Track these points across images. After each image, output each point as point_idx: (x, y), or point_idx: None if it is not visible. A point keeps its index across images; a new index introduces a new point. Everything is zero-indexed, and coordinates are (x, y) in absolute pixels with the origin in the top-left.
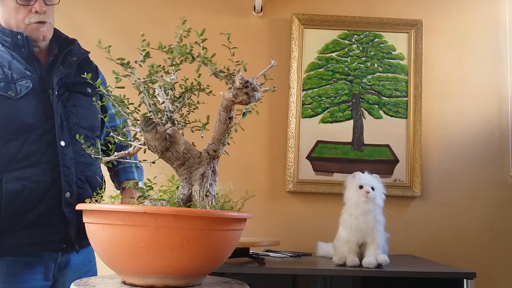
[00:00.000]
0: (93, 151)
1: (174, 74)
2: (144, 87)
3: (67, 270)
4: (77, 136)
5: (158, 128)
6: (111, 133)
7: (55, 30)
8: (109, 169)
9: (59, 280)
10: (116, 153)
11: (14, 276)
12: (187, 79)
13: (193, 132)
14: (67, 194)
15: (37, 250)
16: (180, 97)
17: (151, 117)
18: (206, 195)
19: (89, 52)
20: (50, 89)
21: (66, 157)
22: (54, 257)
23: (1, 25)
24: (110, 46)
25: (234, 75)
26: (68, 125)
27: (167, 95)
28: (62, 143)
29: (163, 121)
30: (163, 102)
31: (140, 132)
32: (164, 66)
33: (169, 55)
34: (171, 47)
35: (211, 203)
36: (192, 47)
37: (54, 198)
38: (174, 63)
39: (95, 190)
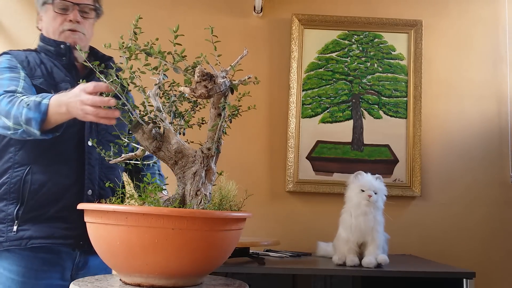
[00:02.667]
0: (105, 152)
1: (161, 75)
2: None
3: (85, 271)
4: (91, 140)
5: (144, 128)
6: (121, 136)
7: (93, 49)
8: (131, 172)
9: None
10: (123, 155)
11: (32, 272)
12: (177, 83)
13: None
14: (89, 192)
15: (55, 244)
16: (169, 98)
17: (133, 117)
18: (196, 194)
19: (122, 69)
20: None
21: (91, 156)
22: (72, 256)
23: (45, 36)
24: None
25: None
26: (97, 129)
27: (156, 95)
28: (89, 143)
29: (146, 122)
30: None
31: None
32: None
33: (125, 53)
34: (128, 45)
35: (201, 202)
36: (154, 43)
37: (76, 194)
38: (134, 58)
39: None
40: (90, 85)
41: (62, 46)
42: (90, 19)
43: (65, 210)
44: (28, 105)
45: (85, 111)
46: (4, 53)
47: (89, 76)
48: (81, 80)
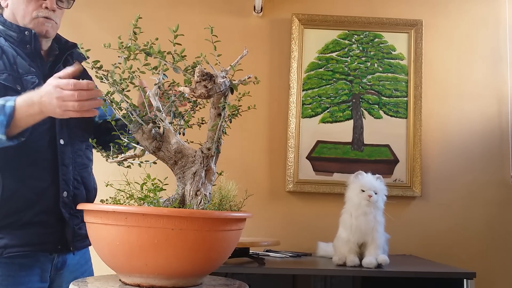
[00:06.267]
0: (105, 151)
1: (161, 75)
2: (119, 90)
3: (64, 270)
4: (90, 140)
5: (144, 128)
6: (121, 136)
7: (56, 34)
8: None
9: (56, 281)
10: (123, 155)
11: (10, 279)
12: (178, 83)
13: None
14: (64, 194)
15: (32, 251)
16: (168, 98)
17: (133, 117)
18: (196, 194)
19: (88, 57)
20: None
21: (65, 156)
22: (50, 258)
23: (7, 19)
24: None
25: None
26: (67, 124)
27: (156, 95)
28: (62, 142)
29: (145, 122)
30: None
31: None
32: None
33: (124, 52)
34: (128, 45)
35: (200, 202)
36: (154, 43)
37: (52, 197)
38: (133, 58)
39: (88, 192)
40: (63, 76)
41: (26, 33)
42: (63, 9)
43: (41, 215)
44: None
45: (66, 107)
46: None
47: (55, 64)
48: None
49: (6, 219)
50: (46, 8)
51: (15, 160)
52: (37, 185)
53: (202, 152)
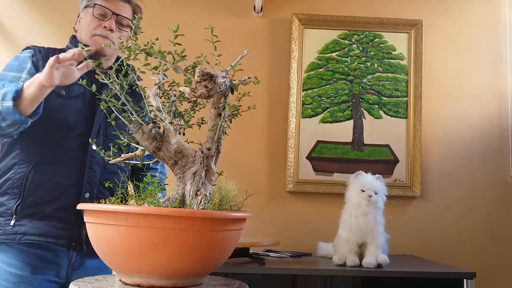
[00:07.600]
0: (104, 152)
1: (161, 75)
2: (120, 89)
3: (81, 271)
4: (90, 140)
5: (144, 128)
6: (120, 136)
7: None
8: (133, 173)
9: (72, 280)
10: (122, 155)
11: (29, 266)
12: (177, 83)
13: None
14: (87, 195)
15: (48, 243)
16: (169, 98)
17: (133, 117)
18: (196, 194)
19: (142, 79)
20: (99, 99)
21: (93, 160)
22: (68, 256)
23: (75, 37)
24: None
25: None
26: (105, 133)
27: (156, 95)
28: (94, 147)
29: (145, 122)
30: (152, 105)
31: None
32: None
33: (124, 52)
34: (128, 45)
35: (201, 202)
36: (154, 43)
37: (74, 195)
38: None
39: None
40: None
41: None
42: (124, 32)
43: (61, 210)
44: (4, 86)
45: (49, 63)
46: (27, 48)
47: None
48: (93, 85)
49: (30, 209)
50: (105, 27)
51: (49, 156)
52: (62, 182)
53: (202, 152)
